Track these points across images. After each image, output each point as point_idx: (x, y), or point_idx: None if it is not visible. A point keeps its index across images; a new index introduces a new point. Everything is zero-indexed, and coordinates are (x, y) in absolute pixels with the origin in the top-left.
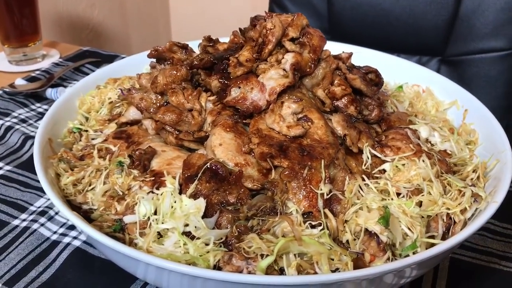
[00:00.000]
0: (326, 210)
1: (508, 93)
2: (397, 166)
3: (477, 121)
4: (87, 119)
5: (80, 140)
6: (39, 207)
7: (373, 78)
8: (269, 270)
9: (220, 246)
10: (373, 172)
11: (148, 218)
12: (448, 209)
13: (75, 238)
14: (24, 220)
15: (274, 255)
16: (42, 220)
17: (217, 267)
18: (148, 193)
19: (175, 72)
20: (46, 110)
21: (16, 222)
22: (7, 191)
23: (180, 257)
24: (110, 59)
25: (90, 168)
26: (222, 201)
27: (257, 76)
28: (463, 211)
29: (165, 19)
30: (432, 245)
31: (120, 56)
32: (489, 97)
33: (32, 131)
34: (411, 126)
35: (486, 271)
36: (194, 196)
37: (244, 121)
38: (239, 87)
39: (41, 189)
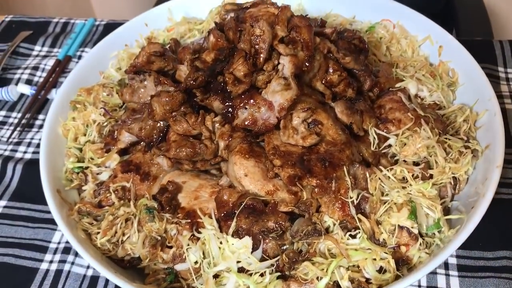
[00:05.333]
0: (359, 215)
1: None
2: (401, 141)
3: (453, 57)
4: (80, 150)
5: (86, 180)
6: (59, 243)
7: (357, 43)
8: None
9: (272, 272)
10: (380, 149)
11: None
12: (454, 173)
13: None
14: (51, 261)
15: (329, 275)
16: (70, 258)
17: None
18: (190, 237)
19: (171, 99)
20: (5, 116)
21: (44, 265)
22: (16, 231)
23: None
24: (42, 27)
25: (119, 220)
26: (263, 230)
27: (258, 89)
28: (466, 170)
29: None
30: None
31: (52, 21)
32: None
33: (5, 149)
34: (399, 84)
35: None
36: (236, 232)
37: (257, 140)
38: (246, 108)
39: (51, 221)
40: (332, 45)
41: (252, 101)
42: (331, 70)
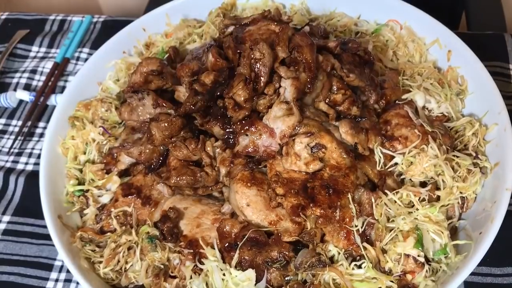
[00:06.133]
0: (365, 244)
1: None
2: (408, 160)
3: (462, 64)
4: (80, 170)
5: (88, 204)
6: (63, 261)
7: (362, 55)
8: None
9: None
10: (386, 167)
11: None
12: (462, 192)
13: None
14: (57, 280)
15: None
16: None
17: None
18: (193, 268)
19: (170, 124)
20: (5, 124)
21: (50, 284)
22: (21, 248)
23: None
24: (39, 25)
25: (121, 249)
26: (267, 260)
27: (259, 113)
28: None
29: None
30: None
31: (49, 19)
32: None
33: (6, 161)
34: (406, 96)
35: None
36: (240, 263)
37: (259, 166)
38: (247, 134)
39: None
40: (335, 62)
41: (253, 127)
42: (335, 88)
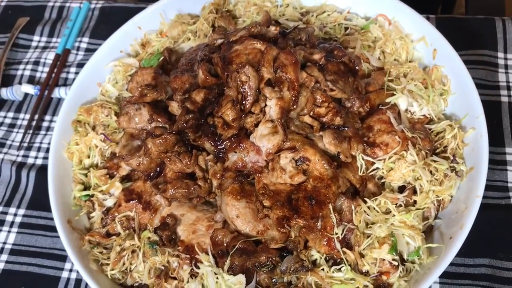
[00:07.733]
0: (344, 249)
1: None
2: (388, 165)
3: (446, 63)
4: (85, 175)
5: (94, 208)
6: None
7: (347, 62)
8: None
9: None
10: (368, 172)
11: None
12: (438, 196)
13: None
14: (71, 270)
15: None
16: None
17: None
18: (190, 272)
19: (165, 141)
20: (13, 118)
21: (65, 274)
22: (37, 241)
23: None
24: (38, 13)
25: (126, 252)
26: (256, 264)
27: (246, 131)
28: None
29: None
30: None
31: (47, 6)
32: None
33: (17, 155)
34: (390, 99)
35: None
36: (231, 268)
37: (248, 179)
38: (236, 152)
39: None
40: (320, 75)
41: (241, 146)
42: (319, 101)
